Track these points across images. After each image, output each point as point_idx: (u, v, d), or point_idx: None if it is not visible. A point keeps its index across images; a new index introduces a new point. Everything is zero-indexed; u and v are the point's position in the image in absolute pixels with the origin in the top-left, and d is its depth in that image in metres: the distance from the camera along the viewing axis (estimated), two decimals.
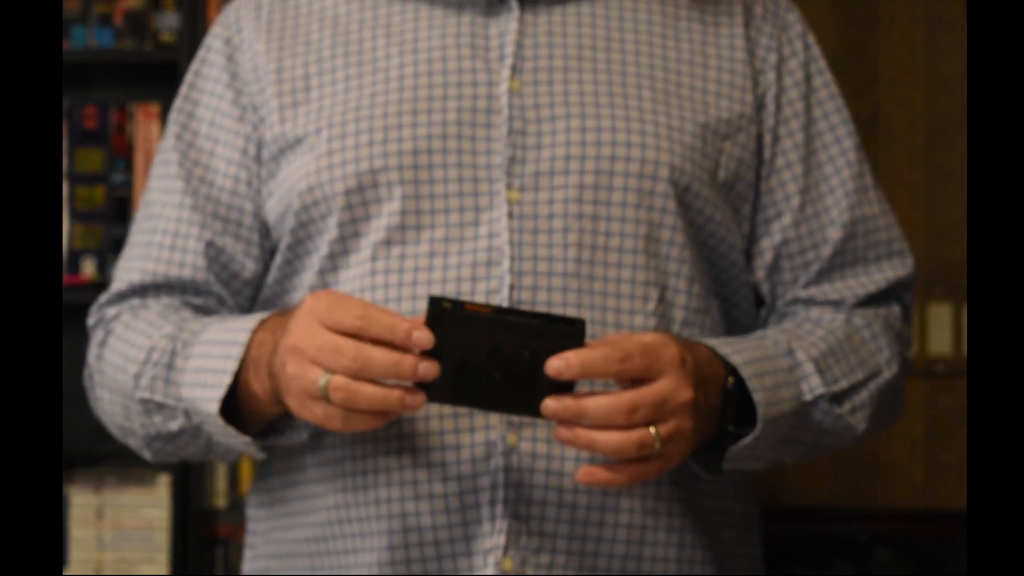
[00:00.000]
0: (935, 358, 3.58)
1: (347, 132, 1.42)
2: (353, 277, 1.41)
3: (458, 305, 1.23)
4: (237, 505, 2.97)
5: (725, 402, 1.36)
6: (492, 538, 1.36)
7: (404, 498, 1.37)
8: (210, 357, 1.37)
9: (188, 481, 2.97)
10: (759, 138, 1.49)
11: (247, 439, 1.37)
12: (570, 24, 1.45)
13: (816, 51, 1.54)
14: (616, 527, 1.38)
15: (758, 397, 1.35)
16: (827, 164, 1.51)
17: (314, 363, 1.26)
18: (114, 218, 3.03)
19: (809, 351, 1.42)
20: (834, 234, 1.49)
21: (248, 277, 1.49)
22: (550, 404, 1.24)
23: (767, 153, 1.49)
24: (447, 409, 1.35)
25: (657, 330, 1.39)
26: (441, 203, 1.40)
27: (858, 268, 1.51)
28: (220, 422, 1.36)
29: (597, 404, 1.25)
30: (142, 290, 1.49)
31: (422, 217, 1.39)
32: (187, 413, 1.40)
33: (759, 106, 1.49)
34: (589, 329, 1.33)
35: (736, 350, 1.37)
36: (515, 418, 1.35)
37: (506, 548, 1.36)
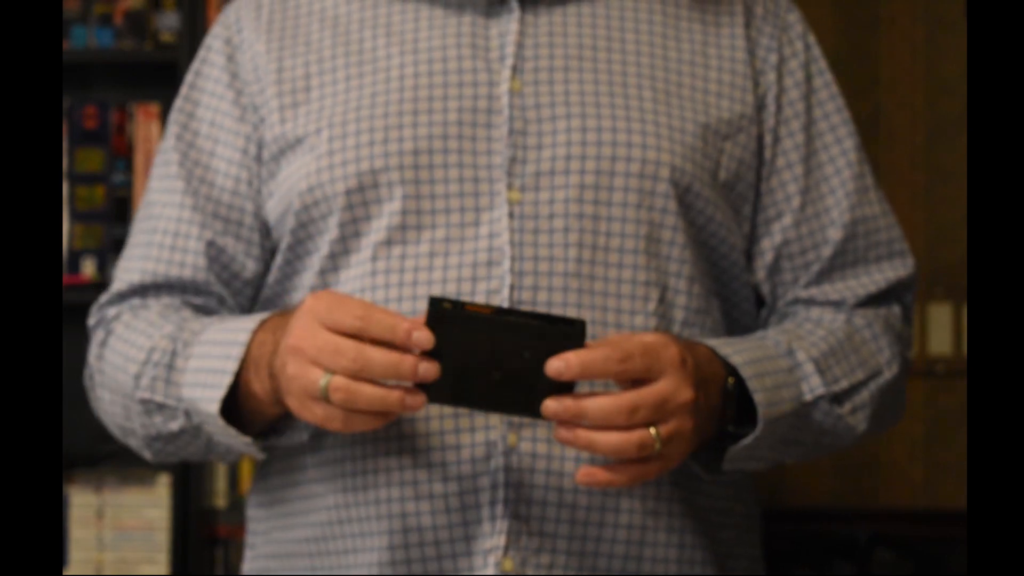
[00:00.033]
0: (935, 358, 3.58)
1: (348, 132, 1.42)
2: (353, 277, 1.41)
3: (458, 306, 1.23)
4: (237, 505, 2.97)
5: (725, 402, 1.36)
6: (492, 538, 1.36)
7: (404, 498, 1.37)
8: (210, 357, 1.37)
9: (188, 481, 2.97)
10: (760, 138, 1.49)
11: (247, 439, 1.37)
12: (571, 24, 1.45)
13: (817, 51, 1.54)
14: (616, 527, 1.38)
15: (758, 397, 1.35)
16: (828, 164, 1.51)
17: (314, 363, 1.26)
18: (114, 218, 3.03)
19: (809, 351, 1.42)
20: (835, 234, 1.49)
21: (248, 277, 1.49)
22: (550, 405, 1.24)
23: (768, 153, 1.49)
24: (447, 409, 1.35)
25: (657, 330, 1.39)
26: (442, 203, 1.40)
27: (859, 268, 1.51)
28: (220, 422, 1.36)
29: (597, 405, 1.25)
30: (142, 290, 1.49)
31: (423, 217, 1.39)
32: (187, 413, 1.40)
33: (760, 106, 1.49)
34: (589, 329, 1.33)
35: (736, 350, 1.37)
36: (515, 418, 1.35)
37: (506, 548, 1.36)
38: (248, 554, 1.53)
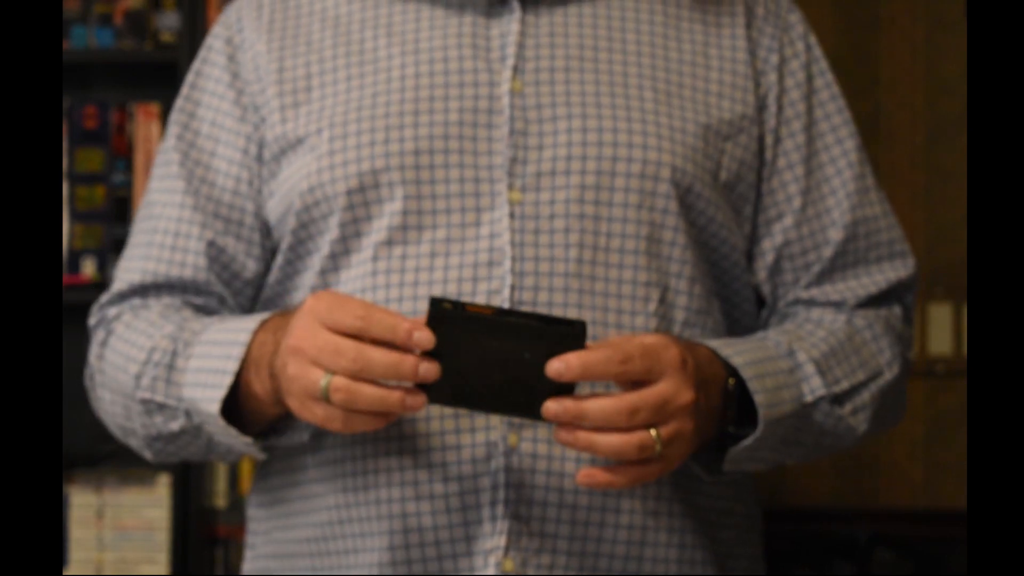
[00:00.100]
0: (935, 358, 3.59)
1: (348, 132, 1.42)
2: (354, 277, 1.41)
3: (459, 306, 1.23)
4: (237, 505, 2.97)
5: (726, 403, 1.36)
6: (493, 539, 1.36)
7: (405, 498, 1.37)
8: (211, 357, 1.37)
9: (188, 481, 2.97)
10: (760, 139, 1.49)
11: (248, 440, 1.37)
12: (572, 25, 1.45)
13: (818, 52, 1.54)
14: (617, 528, 1.38)
15: (759, 398, 1.35)
16: (828, 165, 1.51)
17: (315, 364, 1.26)
18: (114, 218, 3.03)
19: (810, 352, 1.42)
20: (835, 235, 1.49)
21: (249, 277, 1.49)
22: (551, 406, 1.24)
23: (768, 154, 1.49)
24: (447, 410, 1.35)
25: (658, 331, 1.39)
26: (443, 203, 1.39)
27: (859, 269, 1.51)
28: (221, 422, 1.36)
29: (598, 406, 1.25)
30: (143, 290, 1.49)
31: (423, 217, 1.39)
32: (188, 413, 1.40)
33: (761, 107, 1.49)
34: (590, 330, 1.33)
35: (737, 351, 1.37)
36: (516, 419, 1.35)
37: (507, 548, 1.36)
38: (248, 554, 1.53)
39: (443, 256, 1.38)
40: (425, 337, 1.23)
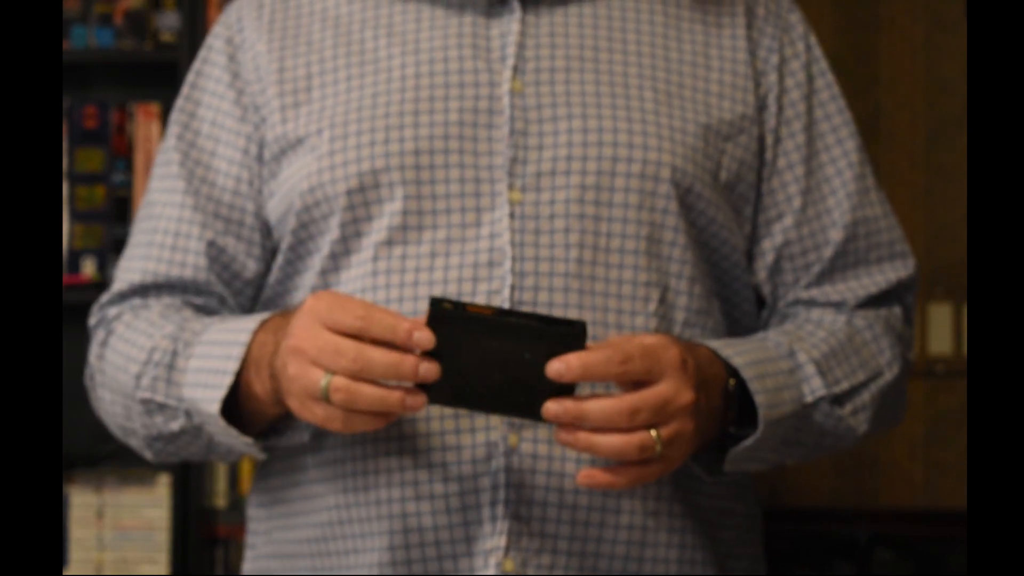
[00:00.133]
0: (935, 358, 3.59)
1: (349, 132, 1.42)
2: (354, 277, 1.41)
3: (459, 307, 1.23)
4: (237, 505, 2.97)
5: (726, 404, 1.36)
6: (493, 539, 1.36)
7: (405, 498, 1.37)
8: (211, 357, 1.37)
9: (188, 481, 2.97)
10: (761, 139, 1.48)
11: (248, 440, 1.37)
12: (572, 25, 1.45)
13: (818, 52, 1.54)
14: (617, 528, 1.38)
15: (759, 399, 1.35)
16: (829, 165, 1.51)
17: (315, 364, 1.26)
18: (114, 218, 3.03)
19: (811, 353, 1.42)
20: (835, 235, 1.49)
21: (249, 277, 1.49)
22: (551, 407, 1.24)
23: (769, 154, 1.49)
24: (447, 410, 1.35)
25: (658, 331, 1.39)
26: (443, 203, 1.39)
27: (859, 269, 1.51)
28: (221, 423, 1.36)
29: (598, 407, 1.25)
30: (143, 290, 1.49)
31: (424, 217, 1.39)
32: (188, 413, 1.40)
33: (761, 107, 1.49)
34: (590, 330, 1.33)
35: (737, 352, 1.37)
36: (516, 419, 1.35)
37: (507, 549, 1.36)
38: (248, 554, 1.53)
39: (443, 256, 1.38)
40: (425, 337, 1.23)
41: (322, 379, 1.25)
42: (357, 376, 1.24)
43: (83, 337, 1.58)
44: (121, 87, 3.12)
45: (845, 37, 3.60)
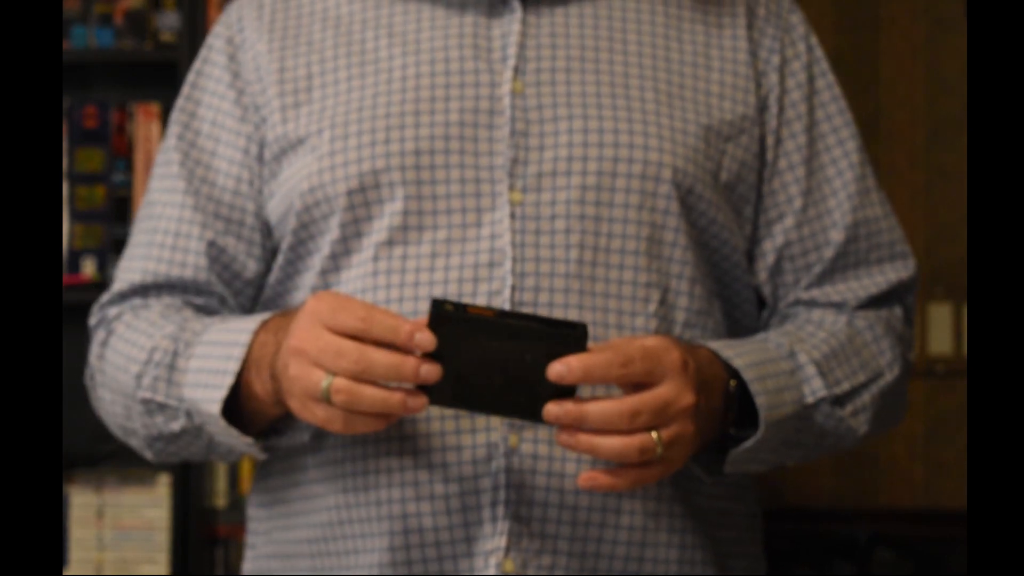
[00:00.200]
0: (935, 358, 3.59)
1: (349, 132, 1.42)
2: (355, 277, 1.41)
3: (461, 308, 1.23)
4: (237, 505, 2.97)
5: (727, 405, 1.36)
6: (493, 539, 1.36)
7: (405, 499, 1.37)
8: (212, 358, 1.37)
9: (188, 481, 2.97)
10: (762, 140, 1.48)
11: (249, 440, 1.37)
12: (572, 25, 1.45)
13: (819, 52, 1.54)
14: (617, 528, 1.38)
15: (760, 400, 1.35)
16: (830, 166, 1.51)
17: (316, 365, 1.26)
18: (114, 218, 3.03)
19: (811, 354, 1.42)
20: (836, 236, 1.49)
21: (250, 277, 1.49)
22: (552, 409, 1.24)
23: (770, 155, 1.49)
24: (448, 410, 1.35)
25: (658, 331, 1.39)
26: (443, 204, 1.39)
27: (860, 270, 1.50)
28: (222, 423, 1.35)
29: (599, 409, 1.25)
30: (143, 290, 1.49)
31: (424, 218, 1.39)
32: (189, 414, 1.40)
33: (762, 108, 1.49)
34: (590, 330, 1.33)
35: (738, 353, 1.37)
36: (516, 420, 1.35)
37: (507, 549, 1.36)
38: (249, 554, 1.53)
39: (444, 256, 1.38)
40: (426, 338, 1.23)
41: (323, 380, 1.25)
42: (358, 377, 1.24)
43: (83, 337, 1.58)
44: (121, 87, 3.12)
45: (845, 37, 3.60)
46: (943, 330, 3.59)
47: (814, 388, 1.41)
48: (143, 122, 3.04)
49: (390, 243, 1.40)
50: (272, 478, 1.48)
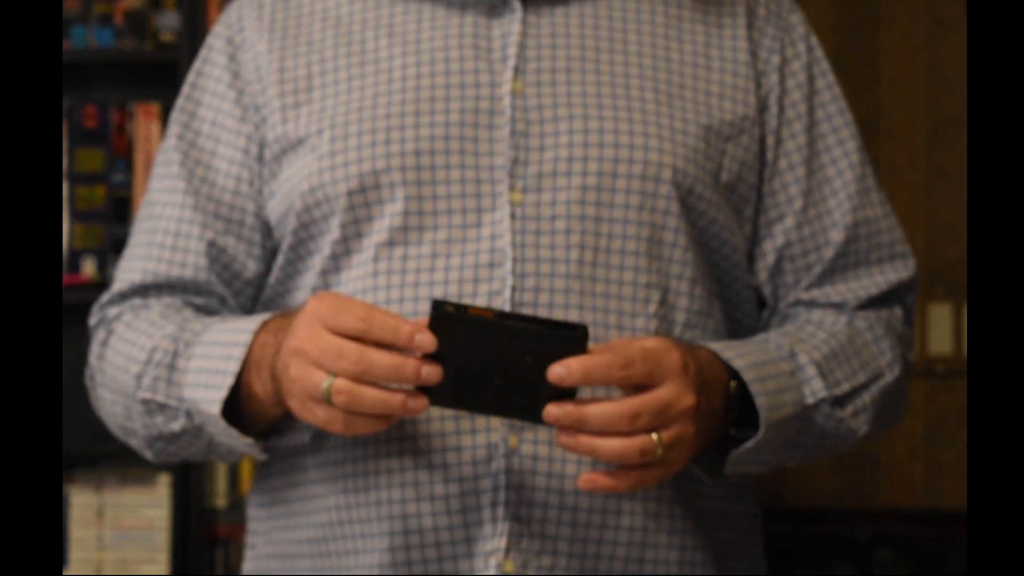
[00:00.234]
0: (935, 358, 3.59)
1: (349, 133, 1.42)
2: (355, 278, 1.41)
3: (461, 309, 1.23)
4: (237, 505, 2.97)
5: (727, 406, 1.35)
6: (493, 540, 1.36)
7: (405, 499, 1.37)
8: (212, 358, 1.37)
9: (188, 481, 2.97)
10: (762, 140, 1.48)
11: (249, 441, 1.37)
12: (573, 25, 1.45)
13: (819, 52, 1.54)
14: (618, 529, 1.37)
15: (760, 401, 1.35)
16: (830, 166, 1.51)
17: (317, 365, 1.26)
18: (114, 218, 3.03)
19: (811, 354, 1.42)
20: (836, 236, 1.49)
21: (250, 277, 1.49)
22: (552, 411, 1.24)
23: (770, 155, 1.49)
24: (448, 411, 1.35)
25: (659, 331, 1.39)
26: (443, 204, 1.39)
27: (860, 270, 1.50)
28: (222, 423, 1.35)
29: (599, 411, 1.25)
30: (143, 290, 1.49)
31: (424, 218, 1.39)
32: (189, 414, 1.40)
33: (762, 108, 1.49)
34: (590, 331, 1.33)
35: (738, 354, 1.37)
36: (517, 422, 1.35)
37: (507, 550, 1.36)
38: (249, 554, 1.53)
39: (444, 257, 1.38)
40: (427, 339, 1.23)
41: (324, 381, 1.25)
42: (359, 378, 1.24)
43: (83, 337, 1.58)
44: (121, 87, 3.12)
45: (845, 37, 3.59)
46: (943, 330, 3.59)
47: (814, 389, 1.41)
48: (143, 122, 3.04)
49: (390, 243, 1.40)
50: (272, 478, 1.48)
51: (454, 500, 1.36)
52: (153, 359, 1.42)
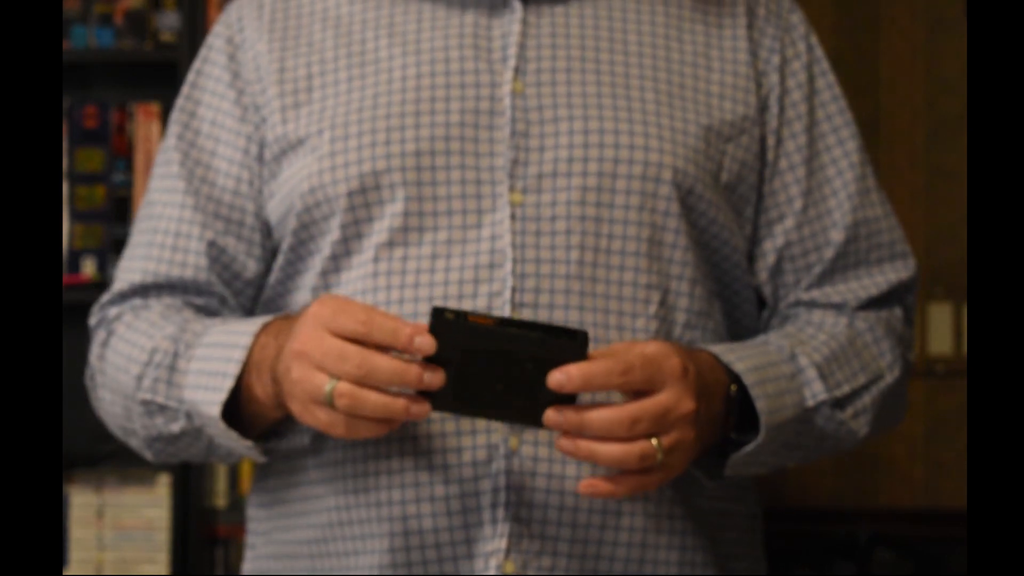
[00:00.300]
0: (935, 358, 3.58)
1: (349, 133, 1.42)
2: (355, 278, 1.41)
3: (461, 316, 1.23)
4: (237, 505, 2.97)
5: (727, 409, 1.35)
6: (493, 541, 1.36)
7: (405, 500, 1.37)
8: (212, 360, 1.37)
9: (188, 481, 2.97)
10: (762, 140, 1.48)
11: (248, 443, 1.37)
12: (573, 25, 1.45)
13: (819, 52, 1.54)
14: (618, 530, 1.37)
15: (761, 404, 1.35)
16: (830, 166, 1.51)
17: (319, 368, 1.26)
18: (114, 218, 3.03)
19: (812, 356, 1.42)
20: (836, 236, 1.49)
21: (250, 277, 1.49)
22: (551, 416, 1.24)
23: (770, 155, 1.49)
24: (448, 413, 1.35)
25: (659, 332, 1.39)
26: (444, 205, 1.39)
27: (860, 270, 1.50)
28: (222, 425, 1.35)
29: (599, 416, 1.25)
30: (143, 290, 1.49)
31: (424, 219, 1.39)
32: (189, 415, 1.40)
33: (762, 108, 1.49)
34: (590, 332, 1.33)
35: (739, 357, 1.37)
36: (517, 426, 1.35)
37: (507, 551, 1.36)
38: (248, 554, 1.53)
39: (444, 258, 1.38)
40: (426, 342, 1.22)
41: (326, 384, 1.25)
42: (361, 382, 1.24)
43: (83, 337, 1.58)
44: (121, 87, 3.12)
45: (845, 37, 3.59)
46: (943, 330, 3.59)
47: (815, 391, 1.41)
48: (143, 122, 3.04)
49: (390, 244, 1.40)
50: (272, 479, 1.48)
51: (454, 501, 1.36)
52: (153, 360, 1.42)
